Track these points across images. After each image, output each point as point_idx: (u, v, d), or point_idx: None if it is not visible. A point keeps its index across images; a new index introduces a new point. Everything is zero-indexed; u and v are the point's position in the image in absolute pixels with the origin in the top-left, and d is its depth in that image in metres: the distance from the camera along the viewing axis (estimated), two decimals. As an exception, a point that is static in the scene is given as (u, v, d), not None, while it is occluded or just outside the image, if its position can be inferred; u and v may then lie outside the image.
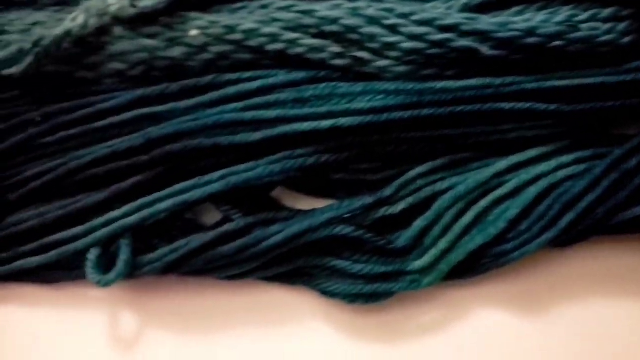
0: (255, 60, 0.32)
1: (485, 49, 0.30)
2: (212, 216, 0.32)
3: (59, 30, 0.31)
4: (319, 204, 0.32)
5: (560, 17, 0.31)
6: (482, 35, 0.30)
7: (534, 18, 0.31)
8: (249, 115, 0.30)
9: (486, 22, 0.30)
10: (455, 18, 0.30)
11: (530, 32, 0.29)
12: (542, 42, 0.29)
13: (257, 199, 0.31)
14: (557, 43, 0.29)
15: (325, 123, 0.29)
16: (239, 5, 0.33)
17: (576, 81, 0.29)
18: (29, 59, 0.31)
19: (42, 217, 0.30)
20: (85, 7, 0.31)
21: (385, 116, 0.29)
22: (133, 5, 0.31)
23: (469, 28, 0.30)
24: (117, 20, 0.31)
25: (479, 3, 0.31)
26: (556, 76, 0.30)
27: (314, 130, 0.29)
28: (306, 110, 0.30)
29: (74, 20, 0.31)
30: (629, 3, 0.31)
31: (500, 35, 0.30)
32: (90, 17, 0.31)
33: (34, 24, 0.33)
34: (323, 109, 0.30)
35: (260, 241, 0.29)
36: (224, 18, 0.32)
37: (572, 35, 0.30)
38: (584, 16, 0.31)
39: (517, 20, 0.30)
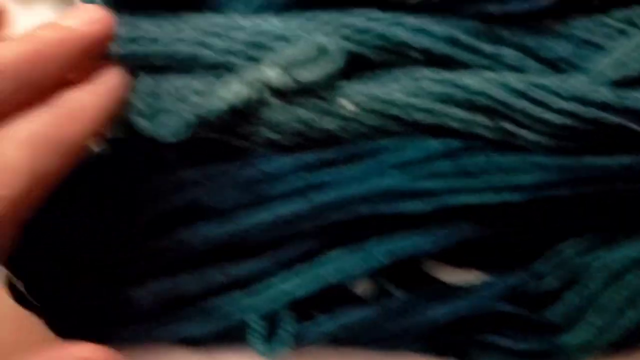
0: (407, 131, 0.33)
1: (636, 126, 0.31)
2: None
3: (217, 102, 0.33)
4: (462, 275, 0.33)
5: None
6: (633, 113, 0.31)
7: None
8: (414, 185, 0.31)
9: (637, 98, 0.31)
10: (605, 95, 0.31)
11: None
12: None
13: (409, 270, 0.32)
14: None
15: (489, 197, 0.30)
16: (387, 73, 0.33)
17: None
18: (186, 129, 0.33)
19: (202, 282, 0.31)
20: (243, 79, 0.32)
21: (547, 193, 0.30)
22: (294, 80, 0.32)
23: (620, 105, 0.31)
24: (275, 92, 0.33)
25: (628, 78, 0.32)
26: None
27: (478, 204, 0.30)
28: (469, 183, 0.31)
29: (231, 90, 0.33)
30: None
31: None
32: (248, 89, 0.32)
33: (190, 91, 0.35)
34: (486, 183, 0.31)
35: (425, 318, 0.30)
36: (380, 92, 0.33)
37: None
38: None
39: None
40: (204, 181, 0.32)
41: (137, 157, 0.33)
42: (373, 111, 0.32)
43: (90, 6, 0.30)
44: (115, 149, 0.34)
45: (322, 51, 0.32)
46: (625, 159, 0.31)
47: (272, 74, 0.32)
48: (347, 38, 0.33)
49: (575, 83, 0.32)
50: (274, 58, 0.32)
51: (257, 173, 0.31)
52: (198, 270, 0.31)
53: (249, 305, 0.30)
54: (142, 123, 0.32)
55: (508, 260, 0.32)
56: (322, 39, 0.32)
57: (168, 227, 0.32)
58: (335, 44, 0.32)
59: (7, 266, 0.33)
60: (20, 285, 0.33)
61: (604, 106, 0.31)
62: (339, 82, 0.33)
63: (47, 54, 0.27)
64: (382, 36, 0.33)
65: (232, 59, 0.33)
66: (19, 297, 0.33)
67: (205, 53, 0.33)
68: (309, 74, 0.32)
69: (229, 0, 0.35)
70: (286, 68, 0.32)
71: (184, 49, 0.33)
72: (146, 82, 0.34)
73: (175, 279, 0.31)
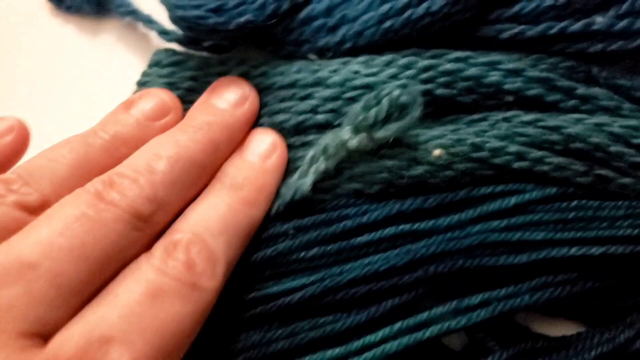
0: (497, 176, 0.31)
1: None
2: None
3: (303, 184, 0.30)
4: (555, 326, 0.32)
5: None
6: None
7: None
8: (514, 236, 0.29)
9: None
10: None
11: None
12: None
13: (503, 322, 0.31)
14: None
15: (594, 249, 0.29)
16: (477, 116, 0.32)
17: None
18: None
19: (293, 337, 0.29)
20: (322, 148, 0.30)
21: None
22: (372, 139, 0.30)
23: None
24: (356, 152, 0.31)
25: None
26: None
27: (583, 256, 0.29)
28: (572, 234, 0.29)
29: (313, 169, 0.30)
30: None
31: None
32: (328, 158, 0.30)
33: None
34: (590, 234, 0.29)
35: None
36: (468, 135, 0.31)
37: None
38: None
39: None
40: (293, 233, 0.30)
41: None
42: (461, 155, 0.31)
43: (234, 86, 0.31)
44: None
45: (397, 106, 0.30)
46: None
47: (349, 137, 0.30)
48: (431, 81, 0.31)
49: None
50: (349, 120, 0.30)
51: (350, 223, 0.30)
52: (289, 324, 0.29)
53: (342, 361, 0.30)
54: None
55: (609, 312, 0.31)
56: (396, 91, 0.29)
57: (258, 280, 0.30)
58: (413, 92, 0.30)
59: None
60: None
61: None
62: (425, 129, 0.32)
63: (221, 140, 0.29)
64: (471, 78, 0.31)
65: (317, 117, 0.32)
66: None
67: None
68: (386, 133, 0.30)
69: (313, 33, 0.33)
70: (361, 129, 0.30)
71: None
72: None
73: (264, 334, 0.29)
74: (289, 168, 0.32)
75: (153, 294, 0.23)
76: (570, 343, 0.30)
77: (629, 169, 0.31)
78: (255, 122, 0.33)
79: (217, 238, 0.26)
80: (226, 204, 0.28)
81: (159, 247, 0.25)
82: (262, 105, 0.33)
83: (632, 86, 0.33)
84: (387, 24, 0.31)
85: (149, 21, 0.36)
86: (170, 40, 0.35)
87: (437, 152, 0.31)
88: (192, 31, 0.33)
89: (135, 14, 0.37)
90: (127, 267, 0.25)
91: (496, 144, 0.31)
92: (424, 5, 0.31)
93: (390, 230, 0.30)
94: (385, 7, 0.31)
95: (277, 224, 0.30)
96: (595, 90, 0.32)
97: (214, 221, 0.27)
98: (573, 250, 0.29)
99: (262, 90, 0.33)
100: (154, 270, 0.24)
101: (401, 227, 0.30)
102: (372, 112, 0.30)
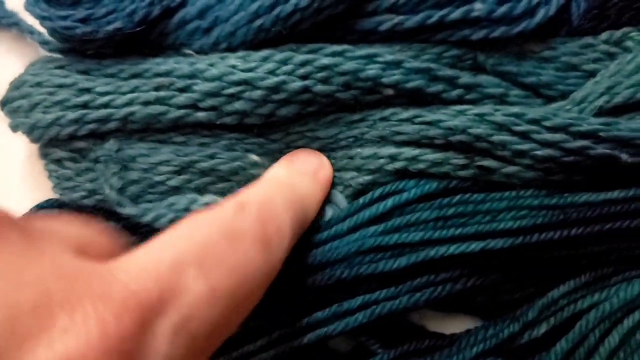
0: (376, 180, 0.30)
1: (625, 157, 0.28)
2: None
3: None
4: (450, 322, 0.31)
5: None
6: (623, 142, 0.28)
7: None
8: (392, 239, 0.28)
9: (627, 127, 0.28)
10: (592, 124, 0.28)
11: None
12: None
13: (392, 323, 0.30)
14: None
15: (474, 246, 0.28)
16: (357, 116, 0.31)
17: None
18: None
19: None
20: None
21: (534, 237, 0.28)
22: None
23: (608, 134, 0.28)
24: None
25: (616, 105, 0.29)
26: None
27: (463, 253, 0.28)
28: (451, 232, 0.28)
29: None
30: None
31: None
32: None
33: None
34: (469, 230, 0.28)
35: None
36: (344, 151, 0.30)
37: None
38: None
39: None
40: None
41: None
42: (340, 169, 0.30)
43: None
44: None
45: None
46: (614, 194, 0.28)
47: None
48: (308, 77, 0.30)
49: (562, 113, 0.29)
50: None
51: None
52: None
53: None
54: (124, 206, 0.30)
55: (497, 307, 0.29)
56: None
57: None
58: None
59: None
60: None
61: (591, 136, 0.28)
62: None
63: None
64: (348, 72, 0.30)
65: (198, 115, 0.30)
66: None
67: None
68: None
69: (189, 36, 0.32)
70: None
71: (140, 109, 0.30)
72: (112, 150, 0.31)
73: None
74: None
75: (229, 235, 0.23)
76: (455, 340, 0.29)
77: (513, 157, 0.29)
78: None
79: (285, 213, 0.26)
80: (287, 194, 0.27)
81: (227, 202, 0.25)
82: (134, 89, 0.30)
83: (519, 72, 0.31)
84: (258, 22, 0.30)
85: (30, 32, 0.35)
86: (51, 50, 0.33)
87: None
88: (65, 41, 0.32)
89: (18, 25, 0.35)
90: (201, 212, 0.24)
91: (369, 151, 0.30)
92: (292, 1, 0.29)
93: None
94: (255, 6, 0.30)
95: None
96: (481, 78, 0.31)
97: (280, 203, 0.26)
98: (452, 248, 0.28)
99: (135, 76, 0.31)
100: (231, 215, 0.24)
101: None
102: None
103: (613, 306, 0.28)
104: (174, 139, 0.31)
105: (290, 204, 0.27)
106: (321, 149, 0.31)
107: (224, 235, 0.23)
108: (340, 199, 0.30)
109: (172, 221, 0.30)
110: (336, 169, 0.30)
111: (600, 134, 0.28)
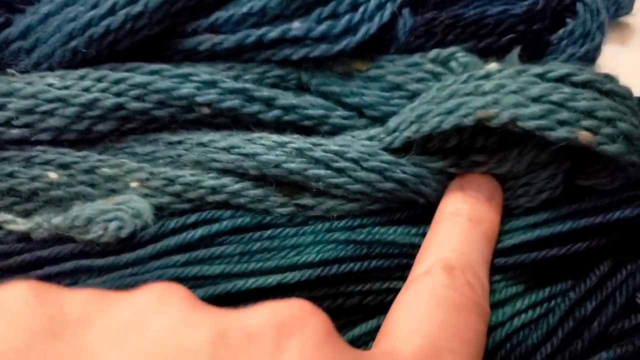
0: (196, 209, 0.29)
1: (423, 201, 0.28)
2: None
3: None
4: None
5: None
6: (419, 193, 0.28)
7: None
8: (191, 271, 0.26)
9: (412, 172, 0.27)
10: (406, 172, 0.27)
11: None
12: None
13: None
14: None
15: (272, 279, 0.26)
16: (176, 138, 0.30)
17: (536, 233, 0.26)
18: None
19: None
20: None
21: (334, 269, 0.26)
22: None
23: (414, 186, 0.27)
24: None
25: (423, 135, 0.27)
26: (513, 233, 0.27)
27: (259, 287, 0.26)
28: (252, 266, 0.27)
29: None
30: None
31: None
32: None
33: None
34: (270, 264, 0.26)
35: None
36: (164, 169, 0.29)
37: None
38: None
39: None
40: None
41: None
42: (156, 189, 0.29)
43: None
44: None
45: None
46: (415, 239, 0.27)
47: None
48: (122, 94, 0.29)
49: (379, 152, 0.28)
50: None
51: (31, 258, 0.27)
52: None
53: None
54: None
55: None
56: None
57: None
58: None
59: None
60: None
61: (400, 182, 0.27)
62: (129, 163, 0.29)
63: None
64: (162, 90, 0.29)
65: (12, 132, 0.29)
66: None
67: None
68: None
69: (13, 56, 0.31)
70: None
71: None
72: None
73: None
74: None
75: (455, 308, 0.23)
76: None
77: (328, 189, 0.28)
78: None
79: (481, 267, 0.25)
80: (476, 235, 0.26)
81: (435, 268, 0.24)
82: None
83: (342, 92, 0.30)
84: (73, 43, 0.29)
85: None
86: None
87: (133, 184, 0.29)
88: None
89: None
90: (405, 290, 0.24)
91: (190, 178, 0.29)
92: (104, 23, 0.28)
93: (68, 266, 0.27)
94: (69, 27, 0.29)
95: None
96: (303, 99, 0.30)
97: (473, 251, 0.26)
98: (250, 282, 0.26)
99: None
100: (444, 288, 0.23)
101: (81, 262, 0.27)
102: None
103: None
104: None
105: (482, 249, 0.26)
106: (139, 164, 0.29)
107: (453, 310, 0.23)
108: (149, 216, 0.28)
109: None
110: (151, 187, 0.29)
111: (408, 183, 0.27)
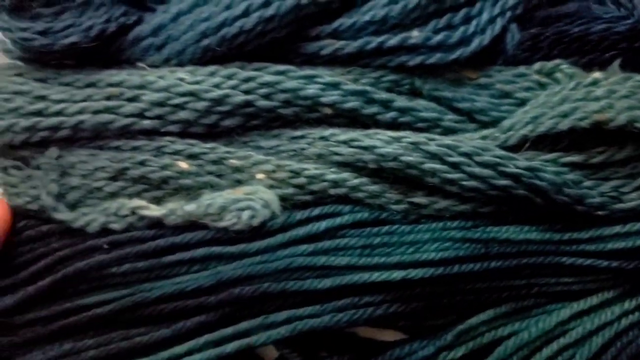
0: (317, 201, 0.30)
1: (539, 200, 0.29)
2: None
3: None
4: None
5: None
6: (539, 191, 0.29)
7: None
8: (319, 261, 0.28)
9: (546, 178, 0.28)
10: (518, 167, 0.28)
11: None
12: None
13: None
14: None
15: (396, 274, 0.27)
16: (298, 133, 0.31)
17: (638, 242, 0.28)
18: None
19: (104, 347, 0.28)
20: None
21: (455, 268, 0.28)
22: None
23: (529, 181, 0.28)
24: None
25: (539, 134, 0.29)
26: (614, 238, 0.28)
27: (384, 281, 0.27)
28: (376, 260, 0.28)
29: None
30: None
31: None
32: None
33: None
34: (392, 259, 0.28)
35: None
36: (289, 162, 0.30)
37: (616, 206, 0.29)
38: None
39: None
40: (109, 248, 0.29)
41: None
42: (281, 181, 0.30)
43: None
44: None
45: None
46: (532, 235, 0.29)
47: None
48: (251, 92, 0.30)
49: (491, 147, 0.29)
50: None
51: (163, 242, 0.29)
52: (101, 335, 0.28)
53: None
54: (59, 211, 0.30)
55: (420, 330, 0.29)
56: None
57: (73, 292, 0.29)
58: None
59: None
60: None
61: (514, 177, 0.28)
62: (254, 155, 0.30)
63: None
64: (289, 90, 0.30)
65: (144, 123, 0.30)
66: None
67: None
68: None
69: (143, 52, 0.32)
70: None
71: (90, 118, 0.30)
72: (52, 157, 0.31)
73: (75, 344, 0.28)
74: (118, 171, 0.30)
75: None
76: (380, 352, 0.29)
77: (442, 185, 0.29)
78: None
79: None
80: None
81: None
82: (86, 98, 0.31)
83: (454, 97, 0.31)
84: (205, 42, 0.30)
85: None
86: (13, 58, 0.33)
87: (259, 175, 0.30)
88: (26, 51, 0.33)
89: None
90: None
91: (314, 171, 0.30)
92: (237, 24, 0.29)
93: (201, 252, 0.28)
94: (203, 27, 0.30)
95: (92, 238, 0.29)
96: (417, 103, 0.31)
97: None
98: (375, 275, 0.28)
99: (89, 85, 0.31)
100: None
101: (212, 249, 0.28)
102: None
103: (531, 335, 0.28)
104: (110, 144, 0.31)
105: None
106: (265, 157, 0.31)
107: None
108: (277, 207, 0.29)
109: (102, 226, 0.30)
110: (277, 179, 0.30)
111: (522, 178, 0.28)
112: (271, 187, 0.30)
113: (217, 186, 0.30)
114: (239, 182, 0.30)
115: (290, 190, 0.30)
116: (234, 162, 0.30)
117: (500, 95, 0.31)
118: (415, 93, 0.32)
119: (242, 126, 0.31)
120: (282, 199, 0.30)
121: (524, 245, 0.28)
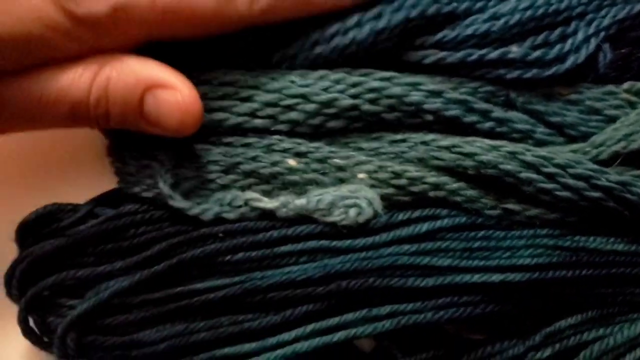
0: (415, 202, 0.31)
1: (628, 214, 0.30)
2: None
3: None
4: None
5: None
6: (629, 204, 0.30)
7: None
8: (423, 260, 0.29)
9: (637, 192, 0.29)
10: (610, 181, 0.29)
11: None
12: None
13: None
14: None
15: (495, 277, 0.29)
16: (399, 136, 0.32)
17: None
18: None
19: (214, 330, 0.29)
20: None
21: (549, 274, 0.29)
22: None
23: (620, 194, 0.29)
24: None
25: (631, 151, 0.30)
26: None
27: (484, 283, 0.29)
28: (475, 263, 0.29)
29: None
30: None
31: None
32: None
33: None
34: (492, 263, 0.29)
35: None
36: (391, 163, 0.32)
37: None
38: None
39: None
40: (224, 237, 0.30)
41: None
42: (382, 181, 0.31)
43: None
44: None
45: None
46: (620, 246, 0.30)
47: None
48: (358, 97, 0.31)
49: (583, 161, 0.30)
50: None
51: (276, 234, 0.30)
52: (211, 319, 0.30)
53: (257, 354, 0.29)
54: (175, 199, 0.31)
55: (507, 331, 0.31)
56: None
57: (186, 276, 0.30)
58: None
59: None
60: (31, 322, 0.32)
61: (606, 191, 0.29)
62: (357, 155, 0.32)
63: None
64: (394, 96, 0.31)
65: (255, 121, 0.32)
66: (29, 333, 0.32)
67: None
68: None
69: None
70: None
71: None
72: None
73: (187, 325, 0.29)
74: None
75: None
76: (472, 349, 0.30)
77: (537, 194, 0.30)
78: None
79: None
80: None
81: None
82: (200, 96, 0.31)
83: (546, 111, 0.32)
84: (317, 50, 0.31)
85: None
86: None
87: (361, 175, 0.31)
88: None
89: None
90: None
91: (415, 173, 0.31)
92: (349, 35, 0.30)
93: (310, 244, 0.30)
94: (315, 36, 0.31)
95: (208, 227, 0.30)
96: (512, 114, 0.31)
97: None
98: (475, 277, 0.29)
99: (202, 83, 0.31)
100: None
101: (321, 242, 0.30)
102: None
103: (617, 341, 0.29)
104: (223, 140, 0.32)
105: None
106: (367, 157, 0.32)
107: None
108: (379, 206, 0.30)
109: (216, 215, 0.31)
110: (378, 179, 0.31)
111: (614, 192, 0.29)
112: (372, 186, 0.31)
113: (322, 183, 0.31)
114: (341, 181, 0.31)
115: (391, 191, 0.31)
116: (338, 161, 0.31)
117: (589, 111, 0.32)
118: (509, 105, 0.33)
119: (344, 128, 0.32)
120: (382, 198, 0.31)
121: (612, 255, 0.30)
